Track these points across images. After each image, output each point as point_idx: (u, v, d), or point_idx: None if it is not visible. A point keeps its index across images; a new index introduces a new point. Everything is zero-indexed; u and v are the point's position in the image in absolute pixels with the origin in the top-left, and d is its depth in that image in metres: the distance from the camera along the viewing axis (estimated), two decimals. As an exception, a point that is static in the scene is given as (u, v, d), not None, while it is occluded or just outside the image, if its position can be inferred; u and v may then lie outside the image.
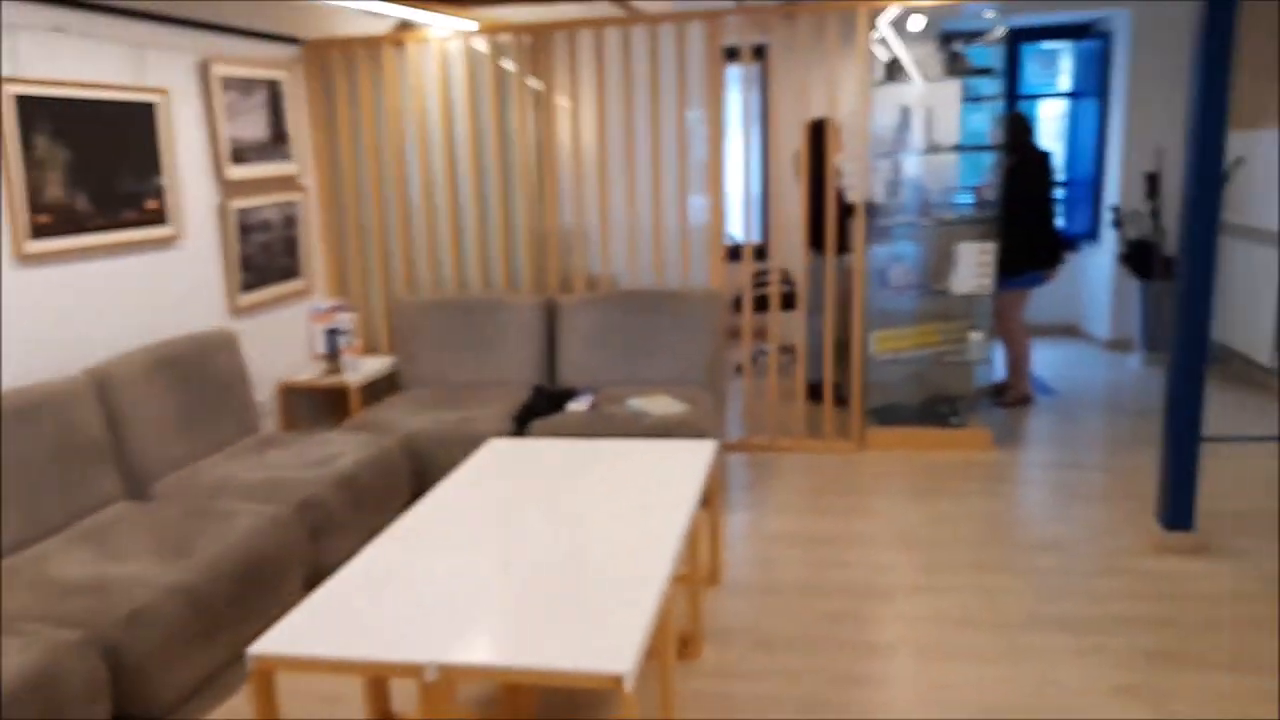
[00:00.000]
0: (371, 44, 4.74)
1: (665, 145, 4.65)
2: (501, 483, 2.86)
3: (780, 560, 3.56)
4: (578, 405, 4.21)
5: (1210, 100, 3.27)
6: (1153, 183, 6.18)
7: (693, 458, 3.04)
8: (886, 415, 4.85)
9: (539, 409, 4.21)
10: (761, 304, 5.39)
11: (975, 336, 4.64)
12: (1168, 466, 3.50)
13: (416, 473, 4.01)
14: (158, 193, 3.79)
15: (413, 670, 1.82)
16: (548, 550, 2.33)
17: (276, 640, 1.93)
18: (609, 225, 4.76)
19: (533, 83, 4.70)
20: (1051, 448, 4.71)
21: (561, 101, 4.75)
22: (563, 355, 4.65)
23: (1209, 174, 3.32)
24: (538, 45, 4.66)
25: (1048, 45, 7.34)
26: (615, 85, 4.67)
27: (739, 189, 4.69)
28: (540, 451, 3.16)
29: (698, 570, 2.93)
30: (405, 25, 4.89)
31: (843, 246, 4.84)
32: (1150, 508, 3.81)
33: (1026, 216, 5.03)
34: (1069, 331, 7.09)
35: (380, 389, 4.78)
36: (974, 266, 4.52)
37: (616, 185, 4.74)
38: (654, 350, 4.59)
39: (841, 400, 5.11)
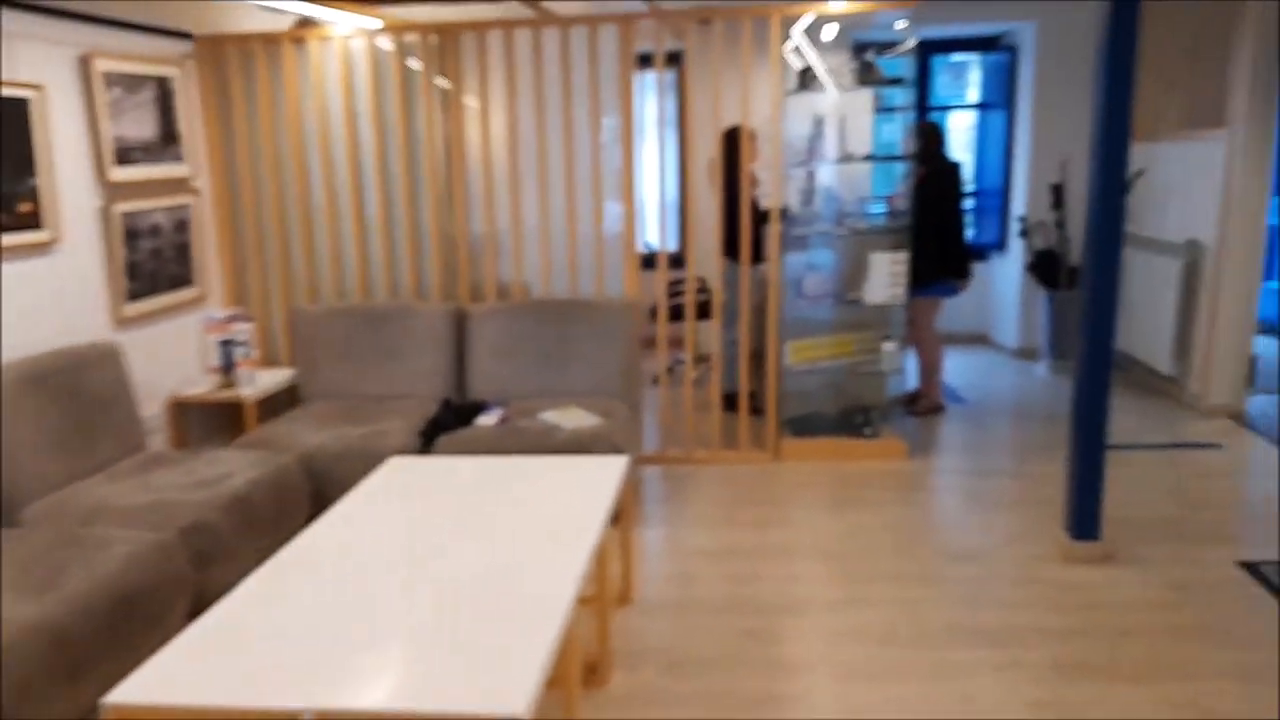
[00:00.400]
0: (270, 41, 4.51)
1: (579, 150, 4.53)
2: (399, 505, 2.69)
3: (696, 576, 3.46)
4: (487, 419, 4.05)
5: (1113, 112, 3.29)
6: (1058, 193, 6.31)
7: (604, 474, 2.92)
8: (802, 426, 4.81)
9: (447, 423, 4.04)
10: (679, 313, 5.31)
11: (888, 347, 4.64)
12: (1075, 479, 3.51)
13: (316, 493, 3.80)
14: (32, 195, 3.51)
15: (287, 718, 1.65)
16: (446, 577, 2.18)
17: (137, 687, 1.75)
18: (521, 232, 4.62)
19: (441, 83, 4.54)
20: (963, 456, 4.73)
21: (470, 103, 4.59)
22: (473, 367, 4.49)
23: (1113, 185, 3.34)
24: (445, 45, 4.50)
25: (958, 57, 7.46)
26: (527, 88, 4.53)
27: (655, 196, 4.61)
28: (443, 470, 3.01)
29: (606, 591, 2.81)
30: (306, 22, 4.68)
31: (757, 255, 4.79)
32: (1059, 514, 3.83)
33: (938, 226, 5.06)
34: (979, 340, 7.20)
35: (279, 403, 4.54)
36: (886, 277, 4.51)
37: (529, 191, 4.60)
38: (568, 361, 4.46)
39: (758, 410, 5.06)
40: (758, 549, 3.68)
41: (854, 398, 4.91)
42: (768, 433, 4.71)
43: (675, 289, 6.07)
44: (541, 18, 4.48)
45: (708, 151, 5.26)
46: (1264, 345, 6.20)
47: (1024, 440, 4.94)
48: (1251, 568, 3.39)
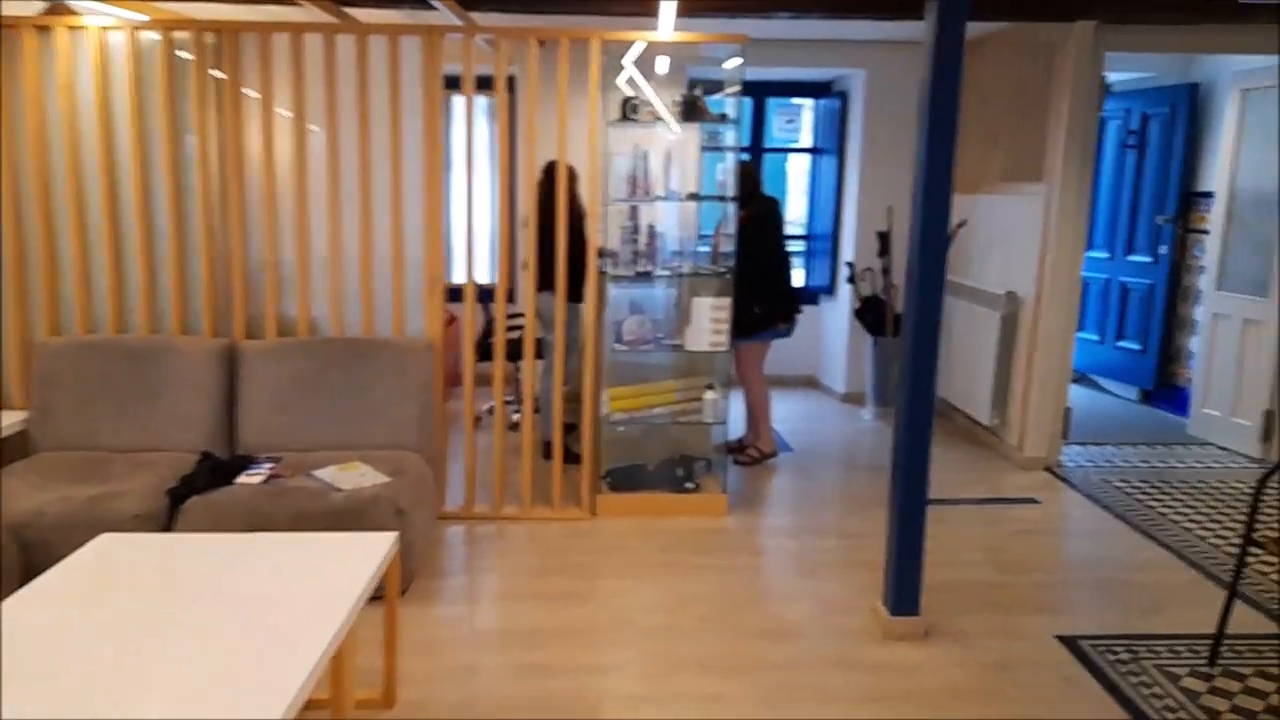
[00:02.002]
0: (8, 27, 3.77)
1: (377, 173, 3.98)
2: (95, 599, 2.07)
3: (481, 668, 2.95)
4: (251, 477, 3.43)
5: (936, 163, 3.05)
6: (884, 241, 6.20)
7: (362, 553, 2.38)
8: (621, 479, 4.39)
9: (201, 482, 3.39)
10: (509, 350, 4.79)
11: (711, 396, 4.29)
12: (894, 556, 3.22)
13: (28, 569, 3.08)
14: None
15: None
16: (132, 698, 1.60)
17: None
18: (308, 260, 4.02)
19: (217, 90, 3.90)
20: (787, 511, 4.43)
21: (252, 117, 3.97)
22: (245, 414, 3.84)
23: (935, 235, 3.09)
24: (225, 47, 3.87)
25: (795, 101, 7.32)
26: (319, 101, 3.95)
27: (483, 227, 4.12)
28: (161, 551, 2.40)
29: (345, 697, 2.27)
30: (57, 9, 3.95)
31: (577, 292, 4.37)
32: (881, 580, 3.54)
33: (763, 269, 4.79)
34: (808, 383, 7.02)
35: (3, 455, 3.75)
36: (708, 323, 4.16)
37: (319, 214, 4.01)
38: (358, 409, 3.89)
39: (577, 458, 4.61)
40: (559, 630, 3.20)
41: (677, 448, 4.53)
42: (583, 488, 4.26)
43: (485, 330, 5.57)
44: (339, 23, 3.92)
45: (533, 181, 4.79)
46: (1076, 395, 6.26)
47: (849, 492, 4.69)
48: (1070, 643, 3.18)
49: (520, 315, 5.12)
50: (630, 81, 4.48)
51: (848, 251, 6.49)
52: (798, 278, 7.17)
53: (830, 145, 6.76)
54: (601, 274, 4.27)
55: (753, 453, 5.10)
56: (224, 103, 3.91)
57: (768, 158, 7.10)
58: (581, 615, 3.31)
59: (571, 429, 4.86)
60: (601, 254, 4.27)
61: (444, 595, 3.46)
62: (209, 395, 3.82)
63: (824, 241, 6.89)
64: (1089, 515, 4.43)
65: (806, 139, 7.26)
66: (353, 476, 3.51)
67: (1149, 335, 6.44)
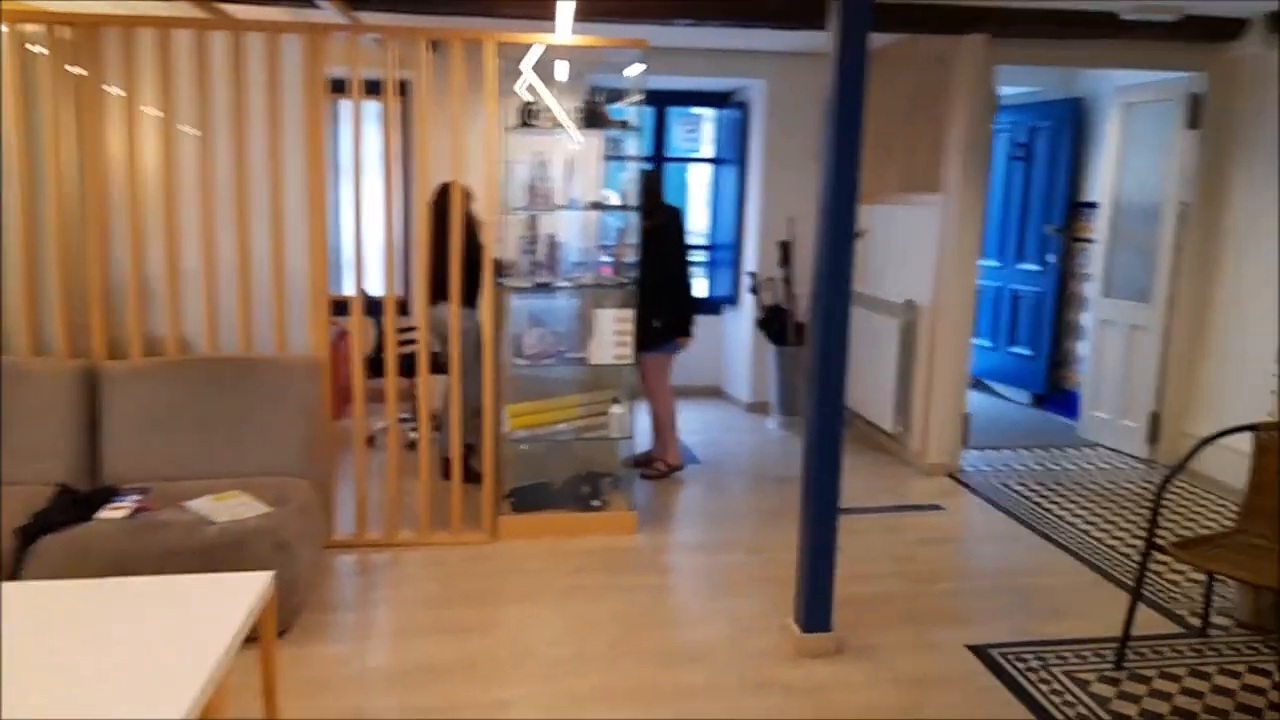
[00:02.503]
0: None
1: (256, 180, 3.70)
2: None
3: (370, 711, 2.71)
4: (114, 511, 3.11)
5: (842, 174, 2.97)
6: (786, 251, 6.17)
7: (233, 597, 2.13)
8: (525, 499, 4.19)
9: (57, 519, 3.05)
10: (405, 365, 4.53)
11: (616, 410, 4.13)
12: (805, 573, 3.13)
13: None
14: None
15: None
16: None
17: None
18: (179, 273, 3.70)
19: (76, 88, 3.56)
20: (696, 526, 4.30)
21: (115, 117, 3.64)
22: (108, 442, 3.50)
23: (841, 245, 3.01)
24: (84, 43, 3.53)
25: (695, 110, 7.26)
26: (191, 102, 3.65)
27: (375, 236, 3.88)
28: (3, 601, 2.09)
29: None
30: (-115, -3, 3.54)
31: (471, 297, 4.16)
32: (792, 593, 3.44)
33: (666, 279, 4.67)
34: (713, 393, 6.95)
35: None
36: (611, 335, 4.01)
37: (189, 223, 3.70)
38: (236, 433, 3.59)
39: (479, 477, 4.39)
40: (457, 666, 2.99)
41: (582, 465, 4.36)
42: (484, 510, 4.05)
43: (381, 341, 5.29)
44: (207, 19, 3.63)
45: (428, 189, 4.55)
46: (972, 400, 6.35)
47: (757, 505, 4.60)
48: (981, 653, 3.13)
49: (414, 329, 4.87)
50: (530, 87, 4.31)
51: (750, 261, 6.44)
52: (700, 288, 7.11)
53: (731, 155, 6.71)
54: (500, 286, 4.08)
55: (660, 466, 4.97)
56: (82, 102, 3.57)
57: (669, 167, 7.01)
58: (482, 648, 3.10)
59: (473, 448, 4.63)
60: (499, 266, 4.08)
61: (332, 632, 3.20)
62: (66, 422, 3.46)
63: (726, 251, 6.84)
64: (991, 520, 4.45)
65: (708, 149, 7.20)
66: (230, 507, 3.23)
67: (1039, 341, 6.59)
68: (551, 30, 4.25)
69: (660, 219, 4.78)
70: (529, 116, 4.00)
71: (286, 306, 3.79)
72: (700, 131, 7.21)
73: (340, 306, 4.11)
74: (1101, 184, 5.87)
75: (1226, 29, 4.81)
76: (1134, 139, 5.55)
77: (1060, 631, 3.29)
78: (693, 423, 6.09)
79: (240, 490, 3.38)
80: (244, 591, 2.19)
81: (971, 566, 3.92)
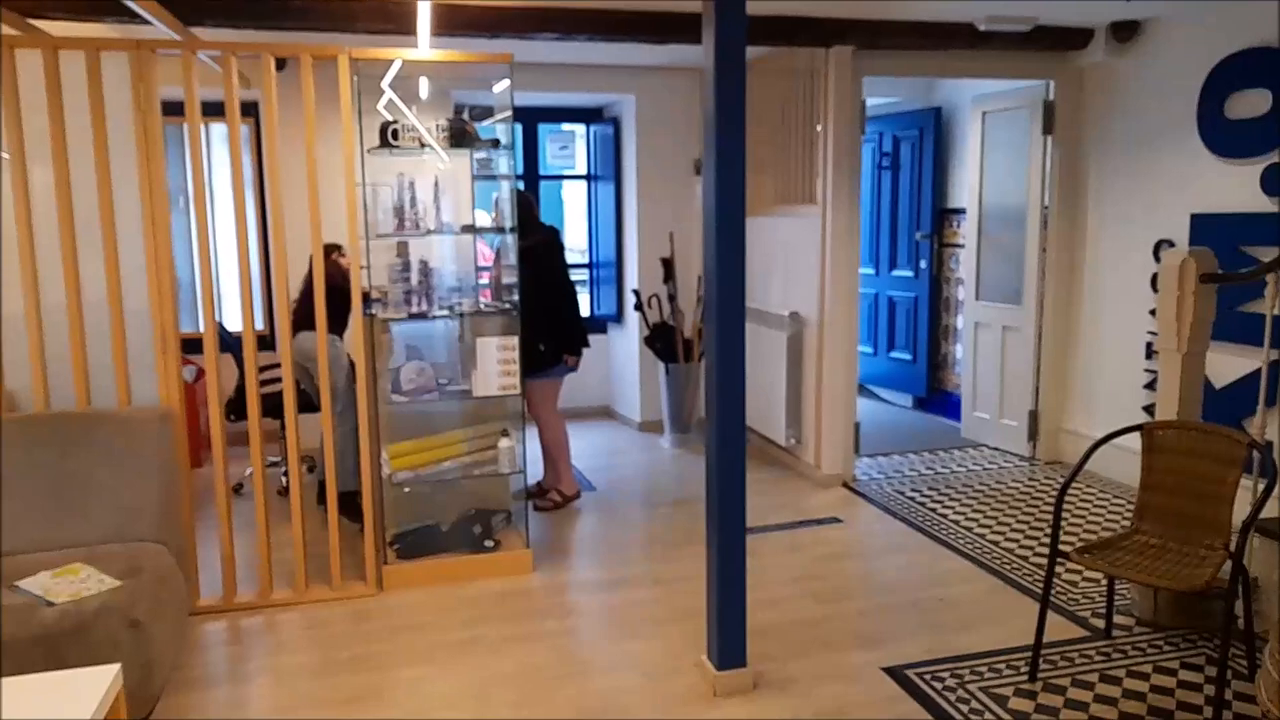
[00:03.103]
0: None
1: (82, 211, 3.28)
2: None
3: (246, 812, 2.37)
4: (-78, 605, 2.64)
5: (727, 188, 2.82)
6: (668, 267, 6.04)
7: (70, 701, 1.77)
8: (412, 544, 3.87)
9: None
10: (270, 405, 4.12)
11: (505, 444, 3.87)
12: (715, 607, 2.95)
13: None
14: None
15: None
16: None
17: None
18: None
19: None
20: (596, 559, 4.08)
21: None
22: (-85, 520, 3.00)
23: (731, 260, 2.86)
24: None
25: (567, 126, 7.06)
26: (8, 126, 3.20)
27: (230, 268, 3.48)
28: None
29: None
30: None
31: (337, 329, 3.82)
32: (703, 630, 3.26)
33: (548, 302, 4.45)
34: (604, 414, 6.74)
35: None
36: (496, 364, 3.76)
37: (9, 263, 3.25)
38: (76, 498, 3.15)
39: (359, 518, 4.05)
40: (342, 744, 2.67)
41: (473, 503, 4.06)
42: (367, 560, 3.71)
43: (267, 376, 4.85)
44: (16, 36, 3.20)
45: (293, 215, 4.17)
46: (860, 406, 6.36)
47: (658, 532, 4.41)
48: (897, 675, 3.02)
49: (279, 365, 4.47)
50: (391, 106, 4.01)
51: (632, 279, 6.28)
52: (584, 307, 6.90)
53: (606, 172, 6.54)
54: (370, 317, 3.76)
55: (555, 497, 4.72)
56: None
57: (543, 185, 6.78)
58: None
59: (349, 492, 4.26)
60: (368, 297, 3.75)
61: (200, 714, 2.82)
62: None
63: (608, 269, 6.66)
64: (890, 530, 4.40)
65: (582, 166, 7.02)
66: (71, 584, 2.80)
67: (917, 345, 6.68)
68: (410, 45, 3.98)
69: (537, 238, 4.56)
70: (391, 136, 3.71)
71: (130, 351, 3.36)
72: (574, 148, 7.02)
73: (197, 344, 3.71)
74: (966, 190, 5.98)
75: (1074, 39, 4.95)
76: (994, 146, 5.67)
77: (972, 645, 3.22)
78: (585, 446, 5.87)
79: (84, 563, 2.95)
80: (84, 692, 1.83)
81: (877, 581, 3.83)
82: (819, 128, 5.00)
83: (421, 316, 3.79)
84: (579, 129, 6.99)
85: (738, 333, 2.88)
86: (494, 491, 4.11)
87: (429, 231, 3.89)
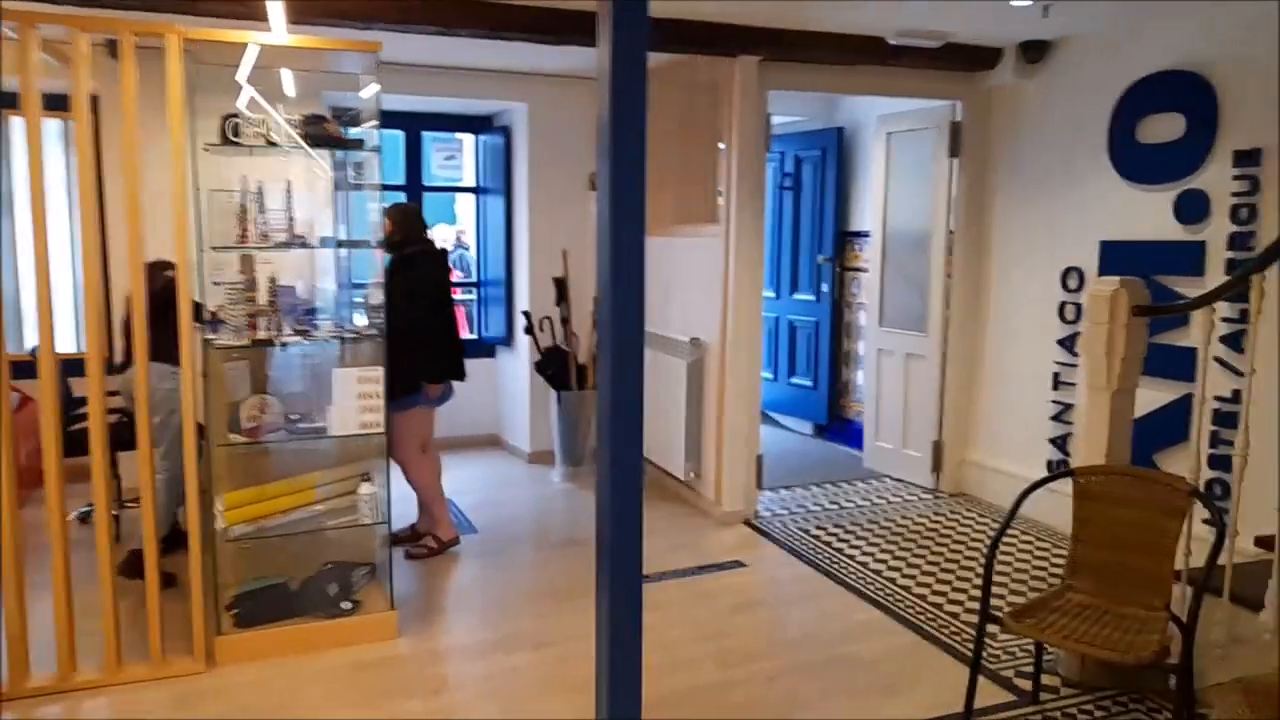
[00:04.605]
0: None
1: None
2: None
3: None
4: None
5: (626, 203, 2.35)
6: (561, 287, 5.56)
7: None
8: (254, 608, 3.25)
9: None
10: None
11: (367, 490, 3.31)
12: (604, 682, 2.45)
13: None
14: None
15: None
16: None
17: None
18: None
19: None
20: (474, 618, 3.55)
21: None
22: None
23: (628, 281, 2.39)
24: None
25: (454, 135, 6.53)
26: None
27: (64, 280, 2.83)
28: None
29: None
30: None
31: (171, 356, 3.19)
32: (592, 701, 2.78)
33: (422, 325, 3.91)
34: (491, 443, 6.19)
35: None
36: (356, 399, 3.20)
37: None
38: None
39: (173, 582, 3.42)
40: None
41: (329, 557, 3.48)
42: (195, 630, 3.08)
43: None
44: None
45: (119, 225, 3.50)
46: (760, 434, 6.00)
47: (544, 581, 3.91)
48: (815, 758, 2.62)
49: (116, 394, 3.79)
50: (254, 105, 3.42)
51: (523, 299, 5.78)
52: (467, 330, 6.37)
53: (497, 184, 6.03)
54: (206, 344, 3.16)
55: (430, 543, 4.16)
56: None
57: (429, 197, 6.21)
58: None
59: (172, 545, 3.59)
60: (200, 312, 3.14)
61: None
62: None
63: (497, 288, 6.13)
64: (796, 575, 4.01)
65: (470, 177, 6.48)
66: None
67: (819, 371, 6.39)
68: (263, 30, 3.40)
69: (417, 252, 4.03)
70: (232, 132, 3.13)
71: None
72: (461, 158, 6.48)
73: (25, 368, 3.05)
74: (870, 213, 5.73)
75: (983, 58, 4.74)
76: (899, 168, 5.43)
77: (897, 714, 2.84)
78: (468, 480, 5.31)
79: None
80: None
81: (787, 637, 3.43)
82: (722, 145, 4.63)
83: (268, 343, 3.21)
84: (467, 138, 6.47)
85: (635, 359, 2.41)
86: (360, 541, 3.54)
87: (281, 245, 3.31)
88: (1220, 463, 3.73)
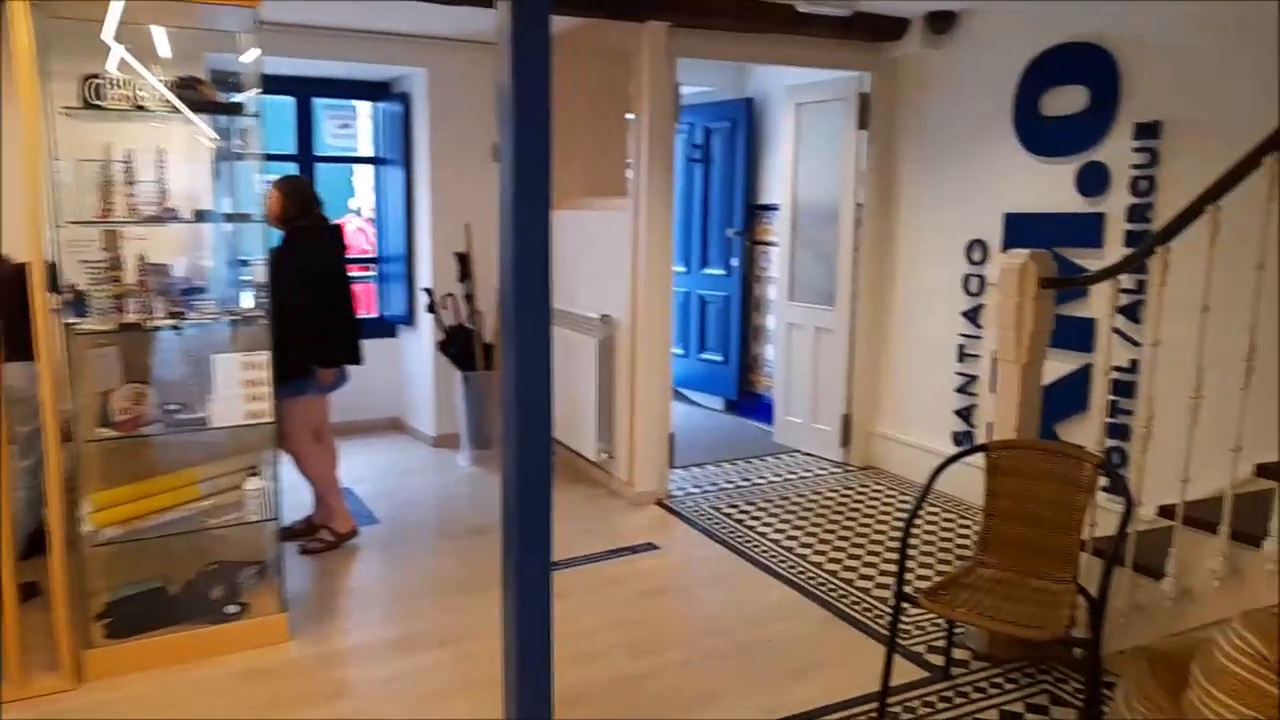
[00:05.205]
0: None
1: None
2: None
3: None
4: None
5: (530, 173, 2.20)
6: (464, 263, 5.34)
7: None
8: (129, 616, 2.98)
9: None
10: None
11: (255, 485, 3.08)
12: (512, 680, 2.34)
13: None
14: None
15: None
16: None
17: None
18: None
19: None
20: (374, 615, 3.37)
21: None
22: None
23: (533, 256, 2.25)
24: None
25: (349, 102, 6.19)
26: None
27: None
28: None
29: None
30: None
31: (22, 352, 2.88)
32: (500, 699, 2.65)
33: (313, 306, 3.67)
34: (394, 427, 5.94)
35: None
36: (240, 387, 2.96)
37: None
38: None
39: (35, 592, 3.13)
40: None
41: (212, 557, 3.23)
42: (61, 643, 2.82)
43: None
44: None
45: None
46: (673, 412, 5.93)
47: (451, 571, 3.74)
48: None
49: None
50: (124, 65, 3.10)
51: (425, 276, 5.53)
52: (366, 308, 6.08)
53: (395, 155, 5.74)
54: (68, 328, 2.86)
55: (326, 536, 3.93)
56: None
57: (322, 168, 5.88)
58: None
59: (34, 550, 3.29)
60: (58, 288, 2.84)
61: None
62: None
63: (398, 265, 5.86)
64: (709, 556, 3.95)
65: (367, 146, 6.16)
66: None
67: (729, 347, 6.34)
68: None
69: (307, 227, 3.77)
70: (93, 94, 2.83)
71: None
72: (356, 127, 6.15)
73: None
74: (779, 186, 5.67)
75: (891, 29, 4.70)
76: (809, 140, 5.38)
77: (812, 697, 2.79)
78: (367, 468, 5.07)
79: None
80: None
81: (701, 623, 3.35)
82: (632, 115, 4.48)
83: (136, 327, 2.93)
84: (363, 106, 6.14)
85: (542, 337, 2.27)
86: (249, 539, 3.29)
87: (150, 219, 3.02)
88: (1118, 431, 3.81)
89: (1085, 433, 3.98)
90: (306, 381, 3.71)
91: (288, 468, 3.67)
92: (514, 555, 2.30)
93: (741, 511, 4.47)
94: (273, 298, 3.11)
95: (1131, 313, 3.72)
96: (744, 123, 6.09)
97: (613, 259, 4.67)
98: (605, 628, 3.26)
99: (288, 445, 3.74)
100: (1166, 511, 2.77)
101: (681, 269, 6.50)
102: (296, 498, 3.95)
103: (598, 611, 3.38)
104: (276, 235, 3.74)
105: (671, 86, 4.43)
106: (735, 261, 6.22)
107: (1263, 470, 2.90)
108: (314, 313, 3.65)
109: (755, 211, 6.16)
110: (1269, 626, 2.14)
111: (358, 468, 4.96)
